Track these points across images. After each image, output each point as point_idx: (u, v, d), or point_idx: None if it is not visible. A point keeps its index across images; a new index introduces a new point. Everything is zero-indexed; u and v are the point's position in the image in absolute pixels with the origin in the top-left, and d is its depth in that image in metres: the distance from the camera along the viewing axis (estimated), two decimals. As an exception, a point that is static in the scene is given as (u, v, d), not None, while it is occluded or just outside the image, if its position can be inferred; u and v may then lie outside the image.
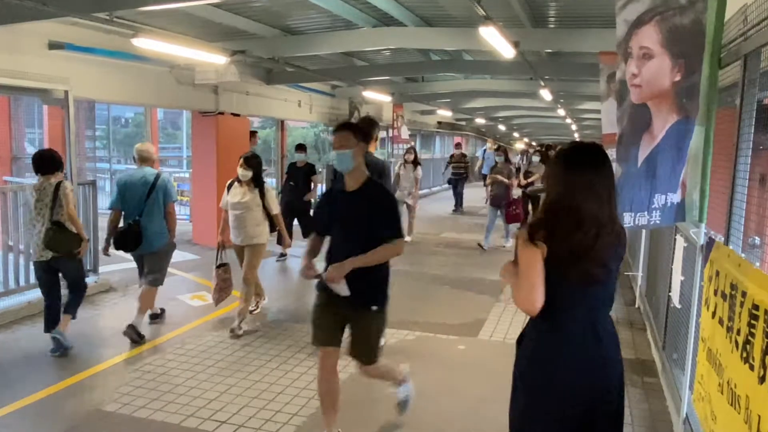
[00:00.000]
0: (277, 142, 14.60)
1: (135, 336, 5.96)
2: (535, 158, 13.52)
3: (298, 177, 10.19)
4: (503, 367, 5.57)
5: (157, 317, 6.71)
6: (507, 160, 11.80)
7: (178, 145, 26.39)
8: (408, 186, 12.19)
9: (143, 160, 6.29)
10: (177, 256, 9.81)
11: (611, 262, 2.51)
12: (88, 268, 7.62)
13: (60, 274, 5.78)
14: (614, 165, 2.76)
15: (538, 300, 2.42)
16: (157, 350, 5.80)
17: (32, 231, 5.64)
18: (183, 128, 23.60)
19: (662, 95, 3.40)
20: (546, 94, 13.68)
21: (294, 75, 11.58)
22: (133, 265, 6.60)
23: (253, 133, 12.65)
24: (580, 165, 2.50)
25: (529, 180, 12.77)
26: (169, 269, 6.72)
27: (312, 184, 10.26)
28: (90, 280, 7.59)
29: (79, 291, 5.88)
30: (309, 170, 10.27)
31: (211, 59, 8.38)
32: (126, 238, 6.07)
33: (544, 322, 2.52)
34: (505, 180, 11.39)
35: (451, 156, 18.78)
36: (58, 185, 5.56)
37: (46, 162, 5.65)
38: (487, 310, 7.29)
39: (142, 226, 6.04)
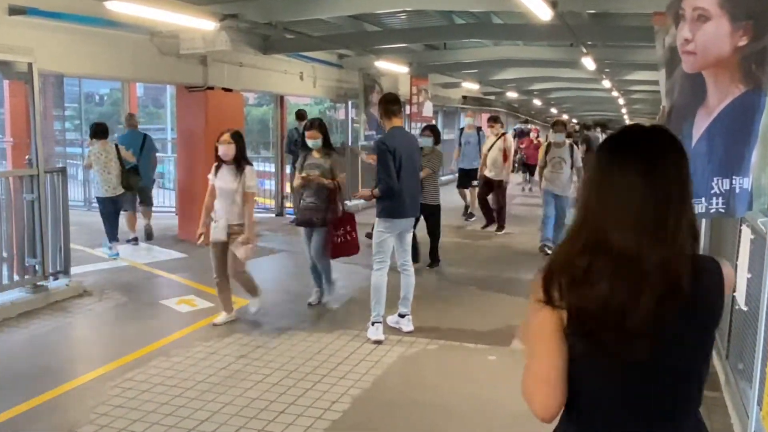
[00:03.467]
0: (276, 122, 14.61)
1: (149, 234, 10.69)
2: (426, 141, 9.44)
3: None
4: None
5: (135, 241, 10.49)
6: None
7: (161, 126, 26.41)
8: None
9: (129, 125, 11.30)
10: (161, 254, 10.00)
11: (668, 333, 1.72)
12: (58, 269, 7.69)
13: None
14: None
15: (549, 403, 1.81)
16: (140, 363, 5.82)
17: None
18: (167, 106, 23.67)
19: (721, 63, 3.37)
20: (589, 63, 13.57)
21: (295, 43, 11.59)
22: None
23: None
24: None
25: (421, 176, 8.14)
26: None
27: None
28: (60, 283, 7.71)
29: None
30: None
31: (198, 25, 8.39)
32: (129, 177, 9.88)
33: (570, 426, 1.90)
34: (324, 180, 7.09)
35: None
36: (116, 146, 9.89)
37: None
38: (521, 315, 7.23)
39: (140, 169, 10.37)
